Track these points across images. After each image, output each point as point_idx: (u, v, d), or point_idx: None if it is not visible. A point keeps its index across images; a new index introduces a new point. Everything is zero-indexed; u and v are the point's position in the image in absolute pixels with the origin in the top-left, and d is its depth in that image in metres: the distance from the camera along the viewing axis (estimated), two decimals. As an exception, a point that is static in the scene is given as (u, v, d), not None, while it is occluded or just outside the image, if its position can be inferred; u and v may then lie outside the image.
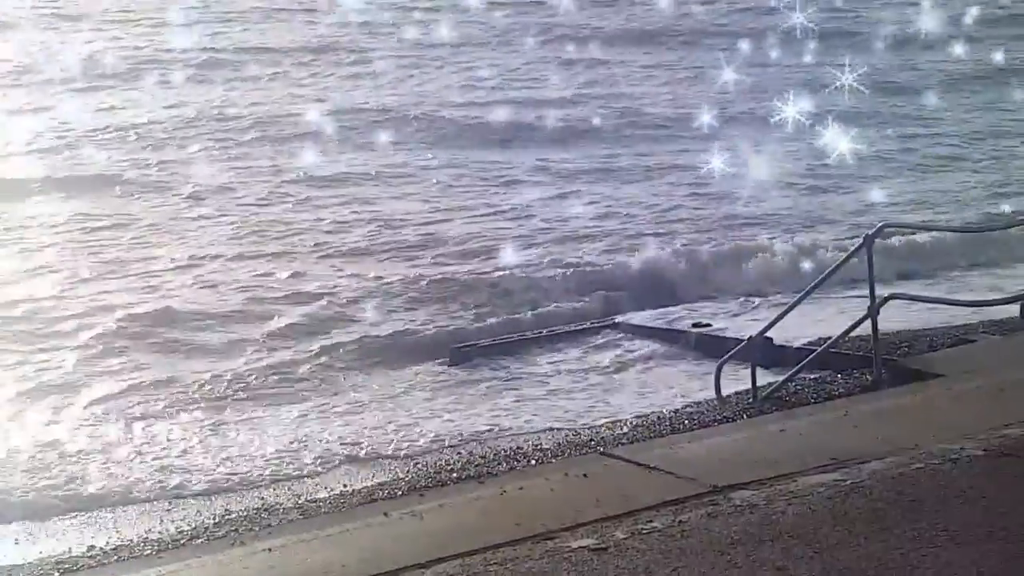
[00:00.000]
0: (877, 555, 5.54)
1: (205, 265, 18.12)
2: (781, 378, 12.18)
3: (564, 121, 27.75)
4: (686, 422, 11.43)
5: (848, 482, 6.48)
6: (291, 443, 11.50)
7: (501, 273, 17.88)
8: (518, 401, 13.01)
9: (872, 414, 7.91)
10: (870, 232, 11.29)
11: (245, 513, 9.81)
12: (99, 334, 14.82)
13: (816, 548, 5.68)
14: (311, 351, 14.66)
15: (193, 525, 8.69)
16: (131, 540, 8.36)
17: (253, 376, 13.69)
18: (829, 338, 12.36)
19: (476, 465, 10.64)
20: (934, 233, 18.69)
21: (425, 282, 17.34)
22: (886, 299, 11.33)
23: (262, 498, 10.48)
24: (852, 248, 11.68)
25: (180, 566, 6.19)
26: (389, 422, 12.12)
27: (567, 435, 11.74)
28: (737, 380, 12.91)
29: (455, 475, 9.41)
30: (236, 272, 17.83)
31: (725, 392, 12.42)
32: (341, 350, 14.78)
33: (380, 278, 17.55)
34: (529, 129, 27.14)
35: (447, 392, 13.17)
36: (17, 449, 11.08)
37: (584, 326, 15.89)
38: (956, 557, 5.43)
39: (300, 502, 10.16)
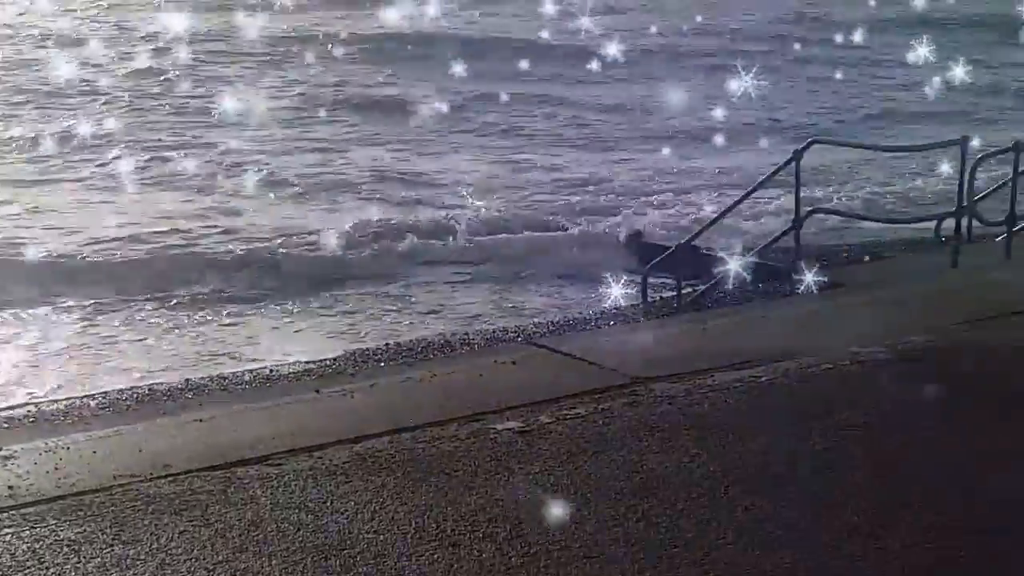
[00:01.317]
0: (785, 447, 5.81)
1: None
2: (705, 286, 12.48)
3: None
4: (611, 322, 11.70)
5: (763, 379, 6.74)
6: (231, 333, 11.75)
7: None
8: (444, 298, 13.24)
9: (789, 318, 8.20)
10: (799, 147, 11.53)
11: (169, 391, 9.95)
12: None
13: (729, 438, 5.93)
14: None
15: (114, 399, 8.81)
16: (49, 412, 8.47)
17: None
18: (753, 249, 12.66)
19: (405, 353, 10.86)
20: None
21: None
22: (810, 212, 11.63)
23: (187, 379, 10.62)
24: (781, 162, 11.92)
25: (109, 432, 6.32)
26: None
27: (495, 330, 11.97)
28: (663, 287, 13.20)
29: (385, 360, 9.61)
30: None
31: (651, 298, 12.71)
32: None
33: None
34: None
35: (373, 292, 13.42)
36: None
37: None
38: (861, 450, 5.72)
39: (225, 384, 10.32)
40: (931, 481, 5.33)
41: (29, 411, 8.72)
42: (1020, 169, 10.57)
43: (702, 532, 5.01)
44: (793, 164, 11.42)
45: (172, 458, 5.77)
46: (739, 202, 12.71)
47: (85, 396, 9.30)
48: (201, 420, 6.38)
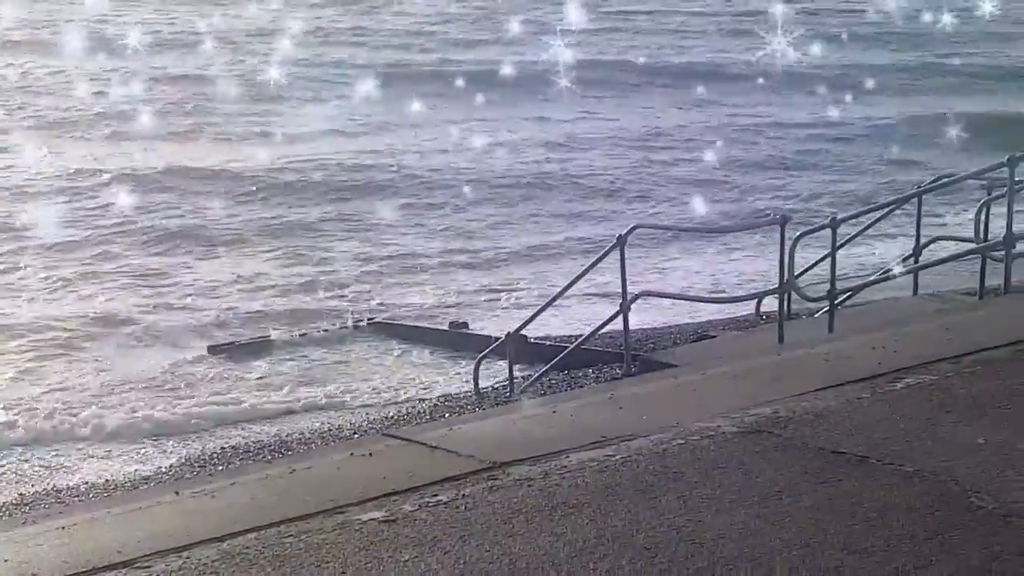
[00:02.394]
0: (646, 521, 5.97)
1: None
2: (536, 373, 12.71)
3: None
4: (446, 415, 11.81)
5: (617, 457, 6.91)
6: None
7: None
8: (284, 396, 13.24)
9: (634, 397, 8.41)
10: (623, 233, 11.90)
11: (3, 506, 9.74)
12: None
13: (590, 516, 6.08)
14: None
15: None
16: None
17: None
18: (582, 335, 12.96)
19: (241, 455, 10.80)
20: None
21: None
22: (636, 296, 11.98)
23: (20, 494, 10.42)
24: (607, 248, 12.28)
25: (-30, 543, 6.17)
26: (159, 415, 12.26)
27: (331, 426, 12.00)
28: (493, 376, 13.40)
29: (241, 460, 9.55)
30: None
31: (483, 386, 12.88)
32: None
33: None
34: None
35: (210, 384, 13.32)
36: None
37: (345, 326, 16.14)
38: (716, 521, 5.91)
39: (60, 496, 10.14)
40: (791, 549, 5.55)
41: None
42: (837, 245, 11.13)
43: (576, 608, 5.13)
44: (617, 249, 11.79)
45: (38, 567, 5.65)
46: (565, 289, 13.01)
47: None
48: (63, 527, 6.26)
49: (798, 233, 11.02)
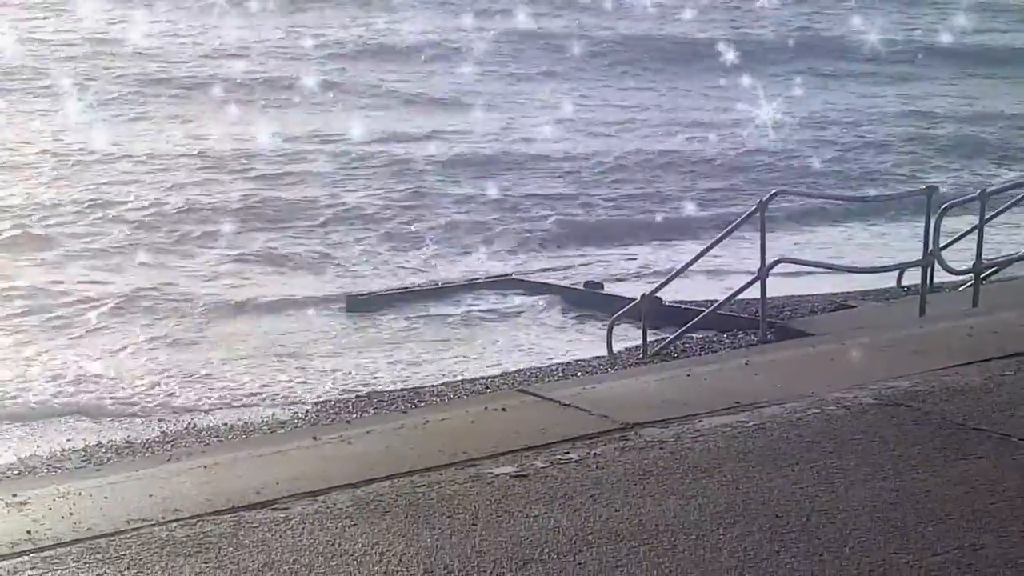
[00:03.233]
0: (778, 489, 5.93)
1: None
2: (670, 336, 12.66)
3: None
4: (578, 373, 11.84)
5: (750, 423, 6.87)
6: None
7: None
8: (420, 348, 13.38)
9: (771, 364, 8.34)
10: (763, 198, 11.77)
11: (146, 443, 10.04)
12: None
13: (722, 481, 6.05)
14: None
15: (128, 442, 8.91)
16: (61, 452, 8.52)
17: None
18: (716, 300, 12.88)
19: (376, 403, 10.96)
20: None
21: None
22: (775, 262, 11.85)
23: (163, 432, 10.73)
24: (746, 212, 12.16)
25: (119, 477, 6.37)
26: (297, 364, 12.50)
27: (463, 379, 12.10)
28: (626, 338, 13.39)
29: (375, 409, 9.70)
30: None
31: (616, 348, 12.88)
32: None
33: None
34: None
35: (349, 338, 13.53)
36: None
37: (480, 280, 16.25)
38: (850, 492, 5.85)
39: (200, 435, 10.42)
40: (927, 525, 5.47)
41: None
42: (986, 218, 10.86)
43: (705, 573, 5.11)
44: (758, 214, 11.67)
45: (181, 502, 5.82)
46: (704, 252, 12.92)
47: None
48: (205, 466, 6.44)
49: (944, 204, 10.78)
